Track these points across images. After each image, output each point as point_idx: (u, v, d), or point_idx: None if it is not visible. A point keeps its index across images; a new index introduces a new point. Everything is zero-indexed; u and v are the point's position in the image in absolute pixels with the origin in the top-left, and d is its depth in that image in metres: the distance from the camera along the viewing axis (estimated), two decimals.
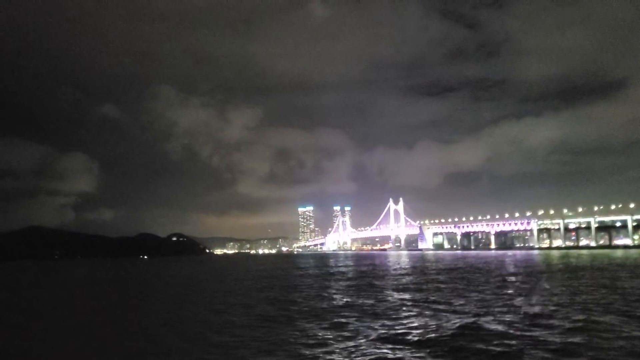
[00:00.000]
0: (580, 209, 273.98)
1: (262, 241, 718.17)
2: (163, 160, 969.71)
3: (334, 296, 45.09)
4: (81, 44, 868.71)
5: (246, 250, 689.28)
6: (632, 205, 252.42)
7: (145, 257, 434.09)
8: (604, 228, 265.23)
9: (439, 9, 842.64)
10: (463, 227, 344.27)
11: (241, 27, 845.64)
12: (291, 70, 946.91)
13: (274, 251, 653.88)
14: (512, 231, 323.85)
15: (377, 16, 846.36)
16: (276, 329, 28.05)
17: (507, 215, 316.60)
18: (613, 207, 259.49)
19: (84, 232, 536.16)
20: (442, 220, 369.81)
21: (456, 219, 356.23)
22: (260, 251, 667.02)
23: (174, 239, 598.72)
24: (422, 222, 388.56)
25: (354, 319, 30.52)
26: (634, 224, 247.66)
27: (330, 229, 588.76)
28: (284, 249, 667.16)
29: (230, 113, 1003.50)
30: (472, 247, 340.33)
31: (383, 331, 26.26)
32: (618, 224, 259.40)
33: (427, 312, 32.48)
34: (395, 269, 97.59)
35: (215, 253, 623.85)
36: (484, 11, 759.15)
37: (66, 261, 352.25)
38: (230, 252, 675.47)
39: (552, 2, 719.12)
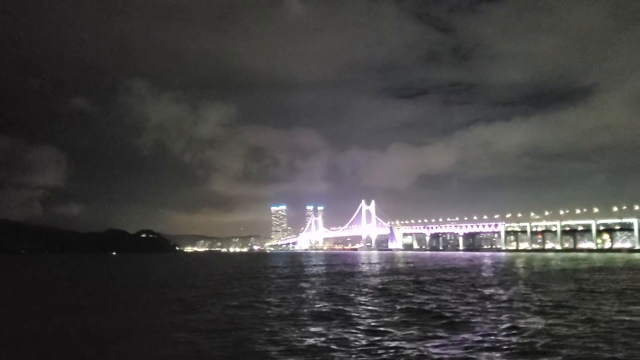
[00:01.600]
0: (546, 213, 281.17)
1: (233, 239, 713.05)
2: (134, 155, 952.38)
3: (304, 300, 45.30)
4: (52, 34, 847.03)
5: (217, 249, 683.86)
6: (596, 210, 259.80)
7: (114, 253, 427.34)
8: (569, 232, 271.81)
9: (415, 12, 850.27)
10: (432, 228, 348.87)
11: (216, 23, 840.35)
12: (267, 68, 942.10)
13: (245, 250, 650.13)
14: (480, 233, 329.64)
15: (353, 17, 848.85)
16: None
17: (475, 218, 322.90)
18: (578, 211, 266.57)
19: (52, 227, 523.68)
20: (412, 221, 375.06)
21: (426, 220, 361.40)
22: (232, 249, 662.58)
23: (144, 235, 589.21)
24: (392, 223, 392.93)
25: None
26: (598, 228, 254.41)
27: (302, 228, 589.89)
28: (256, 247, 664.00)
29: (203, 109, 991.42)
30: (441, 248, 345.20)
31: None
32: (581, 228, 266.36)
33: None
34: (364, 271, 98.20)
35: (185, 251, 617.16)
36: (458, 16, 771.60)
37: (33, 256, 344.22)
38: (201, 250, 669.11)
39: (524, 9, 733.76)
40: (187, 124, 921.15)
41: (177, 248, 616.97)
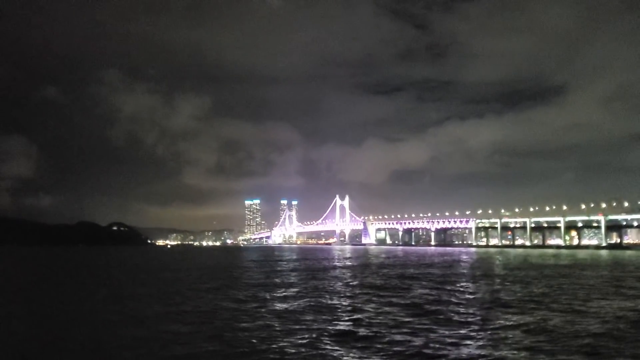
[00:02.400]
0: (516, 210, 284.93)
1: (206, 233, 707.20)
2: (106, 146, 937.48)
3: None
4: (21, 22, 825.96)
5: (190, 242, 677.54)
6: (565, 208, 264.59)
7: (85, 246, 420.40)
8: (538, 228, 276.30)
9: (391, 8, 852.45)
10: (405, 223, 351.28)
11: (191, 14, 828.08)
12: (242, 61, 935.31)
13: (218, 243, 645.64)
14: (451, 229, 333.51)
15: (329, 11, 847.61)
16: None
17: (447, 213, 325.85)
18: (547, 208, 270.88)
19: (20, 218, 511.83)
20: (386, 217, 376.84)
21: (399, 216, 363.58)
22: (205, 243, 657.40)
23: (115, 228, 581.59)
24: (366, 218, 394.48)
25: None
26: (566, 225, 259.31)
27: (276, 223, 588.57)
28: (229, 241, 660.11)
29: (177, 101, 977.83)
30: (413, 243, 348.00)
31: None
32: (550, 225, 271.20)
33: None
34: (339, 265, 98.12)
35: (157, 244, 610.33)
36: (434, 13, 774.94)
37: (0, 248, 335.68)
38: (173, 243, 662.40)
39: (498, 8, 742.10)
40: (161, 116, 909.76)
41: (149, 241, 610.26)
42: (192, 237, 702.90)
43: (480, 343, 21.99)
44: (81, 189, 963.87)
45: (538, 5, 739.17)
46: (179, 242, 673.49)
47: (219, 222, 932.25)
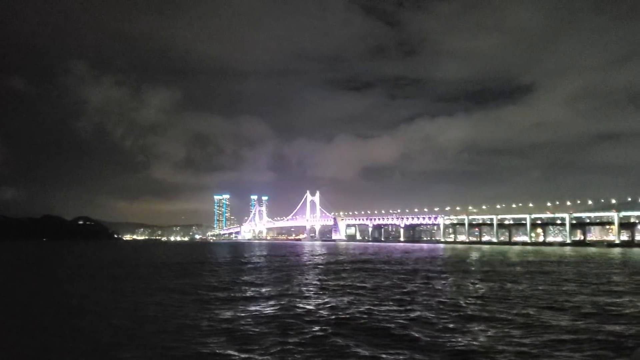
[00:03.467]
0: (484, 207, 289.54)
1: (174, 228, 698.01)
2: (72, 139, 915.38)
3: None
4: None
5: (157, 237, 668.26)
6: (530, 205, 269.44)
7: (50, 240, 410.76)
8: (504, 225, 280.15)
9: (362, 5, 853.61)
10: (375, 219, 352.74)
11: (161, 5, 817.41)
12: (213, 54, 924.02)
13: (186, 239, 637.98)
14: (420, 225, 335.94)
15: (301, 6, 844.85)
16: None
17: (416, 210, 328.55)
18: (514, 206, 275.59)
19: None
20: (356, 213, 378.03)
21: (369, 212, 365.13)
22: (173, 238, 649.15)
23: (81, 222, 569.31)
24: (336, 214, 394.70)
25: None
26: (532, 222, 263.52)
27: (246, 218, 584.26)
28: (198, 236, 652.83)
29: (146, 93, 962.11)
30: (383, 239, 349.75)
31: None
32: (516, 222, 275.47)
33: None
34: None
35: (124, 239, 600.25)
36: (405, 10, 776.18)
37: None
38: (140, 238, 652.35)
39: (469, 7, 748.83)
40: (129, 108, 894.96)
41: (115, 236, 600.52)
42: (159, 232, 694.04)
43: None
44: (46, 182, 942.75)
45: (507, 5, 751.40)
46: (147, 237, 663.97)
47: (187, 217, 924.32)
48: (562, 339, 20.54)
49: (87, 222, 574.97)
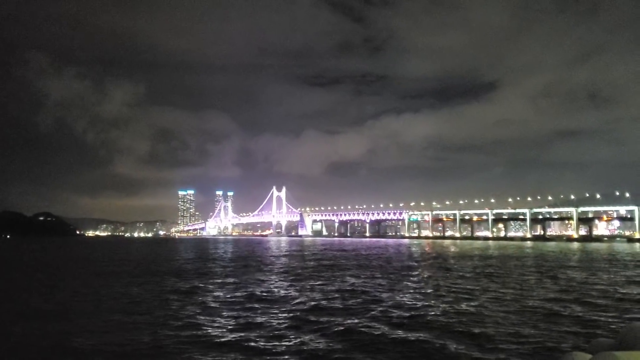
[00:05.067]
0: (447, 202, 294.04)
1: (138, 224, 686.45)
2: (32, 133, 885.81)
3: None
4: None
5: (120, 234, 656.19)
6: (492, 201, 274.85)
7: (9, 236, 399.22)
8: (467, 220, 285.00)
9: (329, 1, 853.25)
10: (341, 215, 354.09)
11: None
12: (178, 47, 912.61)
13: (150, 235, 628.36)
14: (385, 220, 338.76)
15: (268, 1, 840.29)
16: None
17: (382, 205, 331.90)
18: (476, 201, 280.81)
19: None
20: (322, 208, 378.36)
21: (335, 208, 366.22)
22: (136, 234, 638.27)
23: (42, 218, 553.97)
24: (303, 210, 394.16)
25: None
26: (494, 217, 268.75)
27: (211, 214, 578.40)
28: (162, 232, 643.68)
29: (109, 87, 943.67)
30: (349, 235, 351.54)
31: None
32: (478, 217, 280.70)
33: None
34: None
35: (86, 235, 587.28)
36: (371, 7, 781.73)
37: None
38: (103, 234, 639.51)
39: (434, 4, 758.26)
40: (91, 102, 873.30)
41: (77, 232, 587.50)
42: (123, 228, 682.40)
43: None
44: (5, 177, 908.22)
45: (472, 3, 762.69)
46: (110, 234, 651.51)
47: (151, 213, 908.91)
48: (515, 332, 20.38)
49: (49, 218, 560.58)
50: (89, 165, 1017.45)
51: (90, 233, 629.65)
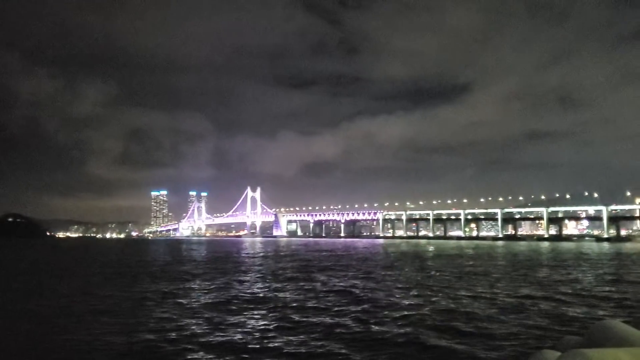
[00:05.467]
0: (421, 203, 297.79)
1: (110, 225, 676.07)
2: (2, 133, 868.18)
3: None
4: None
5: (92, 235, 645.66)
6: (465, 201, 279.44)
7: None
8: (440, 220, 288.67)
9: (304, 2, 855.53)
10: (316, 215, 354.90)
11: None
12: (151, 46, 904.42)
13: (122, 236, 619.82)
14: (360, 220, 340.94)
15: (242, 1, 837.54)
16: None
17: (356, 206, 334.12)
18: (449, 201, 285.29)
19: None
20: (297, 209, 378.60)
21: (310, 208, 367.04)
22: (108, 235, 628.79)
23: (11, 219, 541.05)
24: (277, 210, 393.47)
25: None
26: (466, 217, 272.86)
27: (184, 214, 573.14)
28: (134, 233, 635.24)
29: (81, 87, 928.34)
30: (324, 235, 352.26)
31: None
32: (452, 217, 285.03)
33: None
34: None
35: (57, 236, 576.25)
36: (346, 9, 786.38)
37: None
38: (74, 235, 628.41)
39: (408, 7, 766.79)
40: (63, 102, 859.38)
41: (48, 233, 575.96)
42: (94, 230, 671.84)
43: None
44: None
45: (446, 6, 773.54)
46: (81, 235, 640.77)
47: (123, 213, 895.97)
48: (485, 328, 20.96)
49: (18, 219, 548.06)
50: (61, 165, 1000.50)
51: (60, 234, 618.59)
